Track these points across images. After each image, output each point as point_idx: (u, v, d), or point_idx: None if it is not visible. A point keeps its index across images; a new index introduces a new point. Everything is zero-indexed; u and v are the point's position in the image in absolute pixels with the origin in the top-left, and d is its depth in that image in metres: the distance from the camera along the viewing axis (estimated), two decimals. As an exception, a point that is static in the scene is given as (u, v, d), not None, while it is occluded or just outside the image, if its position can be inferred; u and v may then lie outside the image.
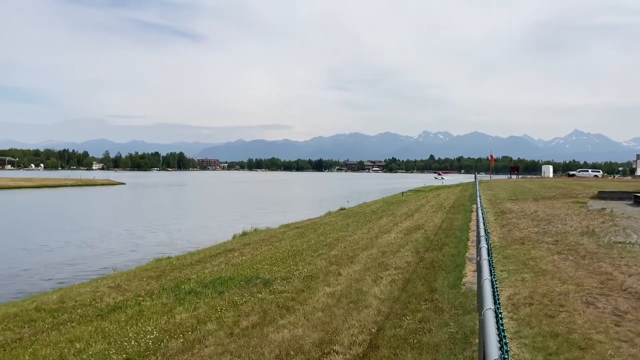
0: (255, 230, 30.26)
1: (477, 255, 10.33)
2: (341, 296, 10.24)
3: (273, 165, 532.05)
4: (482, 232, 7.75)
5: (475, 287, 9.84)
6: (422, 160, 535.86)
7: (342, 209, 43.91)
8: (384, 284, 11.13)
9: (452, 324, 7.92)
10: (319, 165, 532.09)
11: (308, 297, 10.41)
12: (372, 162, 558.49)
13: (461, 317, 8.21)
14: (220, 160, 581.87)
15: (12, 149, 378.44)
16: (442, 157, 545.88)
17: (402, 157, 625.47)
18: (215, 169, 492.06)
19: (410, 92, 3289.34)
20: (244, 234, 29.06)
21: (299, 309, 9.58)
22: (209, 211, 55.05)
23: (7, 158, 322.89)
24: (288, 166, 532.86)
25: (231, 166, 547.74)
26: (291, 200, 75.47)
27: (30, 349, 8.88)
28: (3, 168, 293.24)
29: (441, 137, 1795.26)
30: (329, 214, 39.42)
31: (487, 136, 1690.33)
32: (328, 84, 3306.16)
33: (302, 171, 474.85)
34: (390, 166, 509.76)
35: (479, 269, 6.00)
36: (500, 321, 3.15)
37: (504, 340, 2.85)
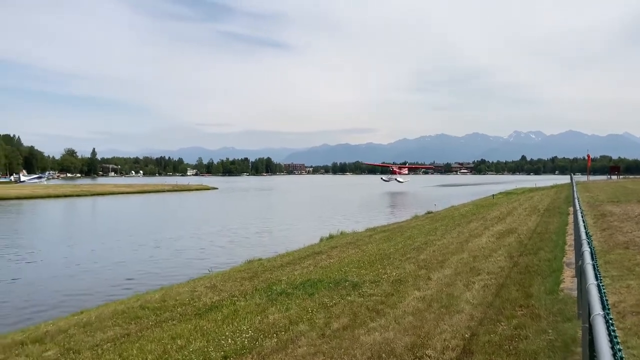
0: (342, 233, 30.46)
1: (576, 260, 9.82)
2: (432, 300, 10.10)
3: (357, 169, 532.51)
4: (583, 235, 7.35)
5: (574, 293, 9.36)
6: (513, 162, 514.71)
7: (429, 212, 43.13)
8: (476, 288, 10.85)
9: (550, 331, 7.58)
10: (415, 169, 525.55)
11: (398, 301, 10.36)
12: (459, 164, 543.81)
13: (560, 324, 7.84)
14: (305, 165, 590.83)
15: (114, 157, 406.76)
16: (535, 158, 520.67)
17: (492, 158, 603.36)
18: (301, 174, 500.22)
19: (499, 91, 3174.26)
20: (331, 237, 29.33)
21: (389, 312, 9.56)
22: (296, 214, 56.12)
23: (111, 166, 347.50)
24: (372, 169, 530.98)
25: (316, 170, 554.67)
26: (376, 204, 75.18)
27: (137, 344, 9.50)
28: (107, 175, 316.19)
29: (533, 136, 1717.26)
30: (416, 217, 38.86)
31: (583, 135, 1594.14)
32: (413, 86, 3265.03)
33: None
34: (479, 168, 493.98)
35: (580, 274, 5.72)
36: (612, 327, 2.99)
37: (617, 347, 2.70)
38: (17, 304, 17.98)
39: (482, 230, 22.46)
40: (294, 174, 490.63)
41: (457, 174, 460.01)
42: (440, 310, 9.38)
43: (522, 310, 8.83)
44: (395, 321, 8.91)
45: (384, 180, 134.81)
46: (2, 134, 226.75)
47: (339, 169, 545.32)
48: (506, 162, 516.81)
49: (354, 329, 8.69)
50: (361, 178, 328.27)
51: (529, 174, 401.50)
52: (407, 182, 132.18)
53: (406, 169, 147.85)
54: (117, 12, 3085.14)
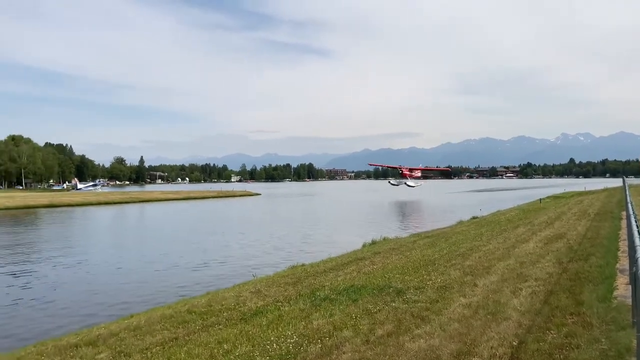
0: (385, 239, 30.29)
1: (630, 267, 9.49)
2: (478, 307, 9.93)
3: (399, 174, 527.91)
4: (637, 241, 7.10)
5: (628, 301, 9.05)
6: (560, 165, 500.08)
7: (474, 217, 42.40)
8: (524, 295, 10.61)
9: (603, 340, 7.34)
10: (448, 173, 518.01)
11: (443, 308, 10.24)
12: (505, 167, 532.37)
13: (614, 333, 7.58)
14: (347, 170, 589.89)
15: (161, 164, 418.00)
16: (584, 160, 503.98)
17: (538, 161, 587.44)
18: (342, 179, 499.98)
19: (545, 93, 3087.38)
20: (374, 242, 29.22)
21: (434, 319, 9.46)
22: (338, 220, 56.16)
23: (158, 173, 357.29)
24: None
25: (357, 176, 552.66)
26: (419, 209, 74.41)
27: (185, 348, 9.71)
28: (154, 182, 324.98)
29: (582, 138, 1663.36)
30: (461, 222, 38.27)
31: (635, 136, 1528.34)
32: (456, 89, 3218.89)
33: (429, 179, 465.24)
34: (526, 171, 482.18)
35: (635, 281, 5.53)
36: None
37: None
38: (71, 308, 18.67)
39: (529, 236, 21.94)
40: (336, 179, 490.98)
41: (502, 178, 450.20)
42: (486, 317, 9.22)
43: (572, 318, 8.59)
44: (440, 328, 8.82)
45: (392, 184, 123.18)
46: (55, 144, 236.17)
47: (381, 174, 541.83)
48: (553, 165, 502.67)
49: (398, 336, 8.64)
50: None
51: (577, 177, 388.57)
52: (420, 187, 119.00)
53: (418, 171, 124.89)
54: (164, 25, 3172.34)
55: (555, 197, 63.80)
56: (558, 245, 17.49)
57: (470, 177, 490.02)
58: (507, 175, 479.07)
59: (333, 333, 9.20)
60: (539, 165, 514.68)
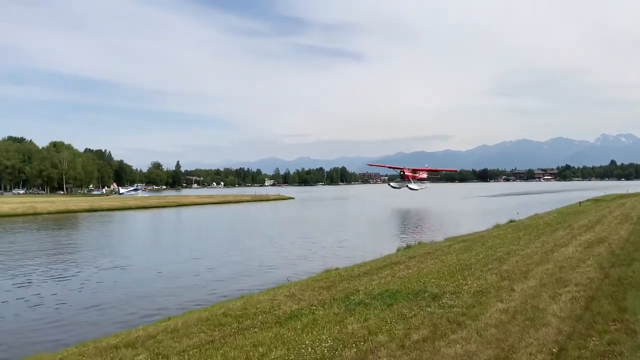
0: (419, 243, 30.02)
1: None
2: (515, 313, 9.76)
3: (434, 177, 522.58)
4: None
5: (675, 308, 8.73)
6: (601, 167, 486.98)
7: (511, 221, 41.61)
8: (564, 301, 10.37)
9: (648, 348, 7.12)
10: (484, 175, 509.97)
11: (479, 313, 10.10)
12: (542, 170, 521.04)
13: (659, 341, 7.35)
14: (380, 174, 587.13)
15: (197, 169, 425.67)
16: (625, 162, 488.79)
17: (577, 163, 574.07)
18: (376, 182, 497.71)
19: (585, 93, 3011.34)
20: (408, 247, 28.98)
21: (470, 324, 9.34)
22: (371, 223, 55.93)
23: (194, 177, 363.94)
24: (450, 177, 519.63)
25: (391, 179, 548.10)
26: (454, 213, 73.50)
27: (221, 351, 9.81)
28: (190, 186, 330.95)
29: (623, 139, 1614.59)
30: (497, 226, 37.60)
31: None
32: (491, 90, 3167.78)
33: (465, 182, 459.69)
34: (564, 174, 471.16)
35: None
36: None
37: None
38: (110, 309, 19.11)
39: (568, 240, 21.43)
40: (369, 182, 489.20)
41: (540, 180, 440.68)
42: (524, 322, 9.05)
43: (615, 325, 8.36)
44: (477, 333, 8.70)
45: (392, 187, 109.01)
46: (94, 150, 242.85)
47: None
48: (593, 167, 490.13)
49: (434, 341, 8.56)
50: (437, 186, 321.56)
51: (619, 180, 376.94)
52: (425, 190, 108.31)
53: (424, 172, 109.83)
54: (200, 32, 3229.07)
55: (596, 200, 62.13)
56: (599, 250, 17.04)
57: (507, 179, 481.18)
58: (545, 177, 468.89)
59: (368, 337, 9.17)
60: (578, 168, 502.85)
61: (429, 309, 10.81)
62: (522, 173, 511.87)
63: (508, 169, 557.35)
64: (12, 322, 17.87)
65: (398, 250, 28.19)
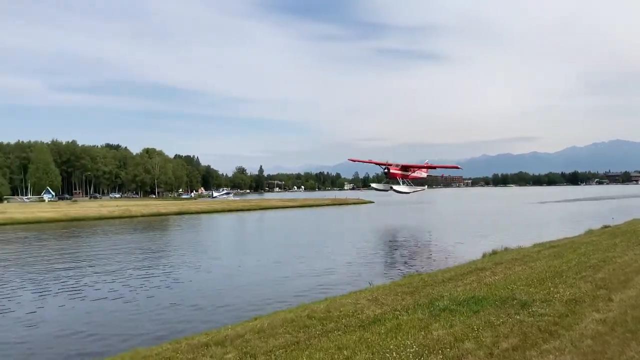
0: (506, 249, 28.97)
1: None
2: (614, 324, 9.21)
3: (520, 180, 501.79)
4: None
5: None
6: None
7: (605, 226, 39.17)
8: (669, 313, 9.66)
9: None
10: (574, 178, 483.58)
11: (573, 323, 9.63)
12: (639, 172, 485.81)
13: None
14: (463, 177, 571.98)
15: (279, 173, 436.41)
16: None
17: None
18: (459, 186, 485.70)
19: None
20: (494, 252, 28.05)
21: (564, 334, 8.93)
22: (454, 228, 54.68)
23: (276, 182, 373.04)
24: (537, 180, 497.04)
25: (475, 182, 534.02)
26: (542, 217, 70.20)
27: (307, 352, 9.99)
28: (272, 190, 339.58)
29: None
30: (590, 232, 35.52)
31: None
32: (580, 89, 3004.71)
33: (554, 185, 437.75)
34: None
35: None
36: None
37: None
38: (200, 307, 19.96)
39: (673, 247, 19.89)
40: (452, 186, 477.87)
41: (637, 183, 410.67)
42: (625, 335, 8.53)
43: None
44: (571, 344, 8.31)
45: (377, 189, 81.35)
46: (183, 155, 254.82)
47: (500, 180, 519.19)
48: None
49: (524, 350, 8.26)
50: (524, 190, 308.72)
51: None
52: (422, 193, 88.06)
53: (422, 170, 78.17)
54: (277, 39, 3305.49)
55: None
56: None
57: (600, 182, 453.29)
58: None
59: (454, 344, 9.00)
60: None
61: (517, 317, 10.44)
62: (617, 176, 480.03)
63: (601, 172, 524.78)
64: (125, 312, 19.18)
65: (483, 256, 27.38)
